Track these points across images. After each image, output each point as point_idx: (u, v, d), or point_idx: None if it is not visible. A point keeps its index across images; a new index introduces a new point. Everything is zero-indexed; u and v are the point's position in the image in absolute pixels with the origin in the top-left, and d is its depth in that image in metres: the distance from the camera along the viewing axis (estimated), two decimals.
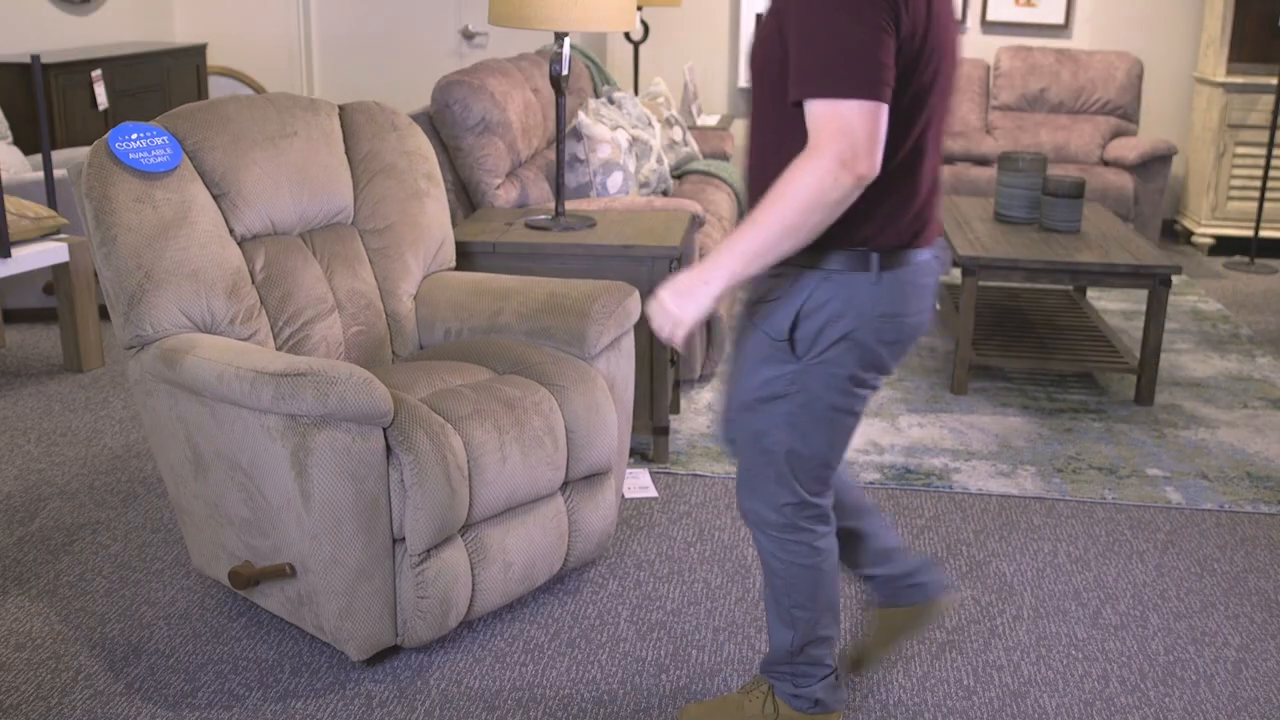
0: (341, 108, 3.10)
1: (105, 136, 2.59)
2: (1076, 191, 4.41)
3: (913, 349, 4.64)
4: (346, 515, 2.32)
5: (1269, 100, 6.13)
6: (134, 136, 2.59)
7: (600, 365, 2.84)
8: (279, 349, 2.77)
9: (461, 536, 2.50)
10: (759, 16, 6.60)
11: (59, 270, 4.23)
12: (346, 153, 3.05)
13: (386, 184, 3.05)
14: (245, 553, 2.55)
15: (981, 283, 5.24)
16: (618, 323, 2.85)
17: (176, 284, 2.58)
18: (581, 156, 4.29)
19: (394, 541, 2.42)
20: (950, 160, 6.21)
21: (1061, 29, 6.60)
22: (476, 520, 2.51)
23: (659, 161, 4.78)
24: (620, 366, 2.92)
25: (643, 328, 3.46)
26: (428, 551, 2.42)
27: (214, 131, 2.76)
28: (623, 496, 3.32)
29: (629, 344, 2.94)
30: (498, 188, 4.02)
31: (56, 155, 4.93)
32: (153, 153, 2.61)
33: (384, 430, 2.36)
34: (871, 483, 3.45)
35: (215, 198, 2.74)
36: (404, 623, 2.46)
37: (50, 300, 4.84)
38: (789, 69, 1.84)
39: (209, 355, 2.41)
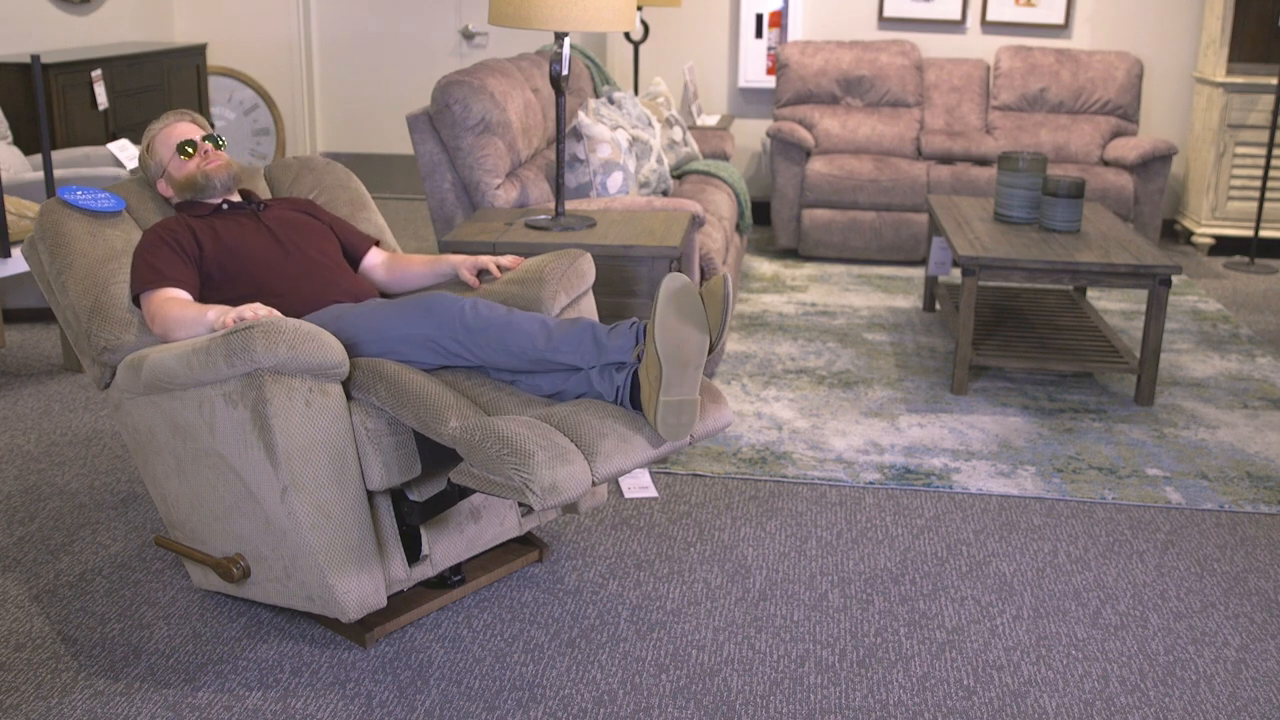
0: (265, 169, 3.36)
1: (52, 196, 2.85)
2: (1076, 191, 4.41)
3: (913, 348, 4.64)
4: (316, 466, 2.36)
5: (1269, 100, 6.13)
6: (78, 192, 2.86)
7: None
8: None
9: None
10: (759, 17, 6.61)
11: None
12: None
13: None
14: (235, 546, 2.57)
15: (981, 283, 5.24)
16: (570, 284, 2.91)
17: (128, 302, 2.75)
18: (581, 156, 4.29)
19: (367, 494, 2.49)
20: (950, 160, 6.21)
21: (1061, 29, 6.60)
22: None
23: (659, 161, 4.78)
24: None
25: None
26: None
27: (147, 199, 2.98)
28: (623, 496, 3.32)
29: (589, 304, 3.02)
30: (498, 188, 4.02)
31: (56, 155, 4.93)
32: (98, 200, 2.87)
33: (344, 386, 2.46)
34: (871, 482, 3.45)
35: None
36: (387, 567, 2.55)
37: None
38: None
39: (167, 349, 2.51)
